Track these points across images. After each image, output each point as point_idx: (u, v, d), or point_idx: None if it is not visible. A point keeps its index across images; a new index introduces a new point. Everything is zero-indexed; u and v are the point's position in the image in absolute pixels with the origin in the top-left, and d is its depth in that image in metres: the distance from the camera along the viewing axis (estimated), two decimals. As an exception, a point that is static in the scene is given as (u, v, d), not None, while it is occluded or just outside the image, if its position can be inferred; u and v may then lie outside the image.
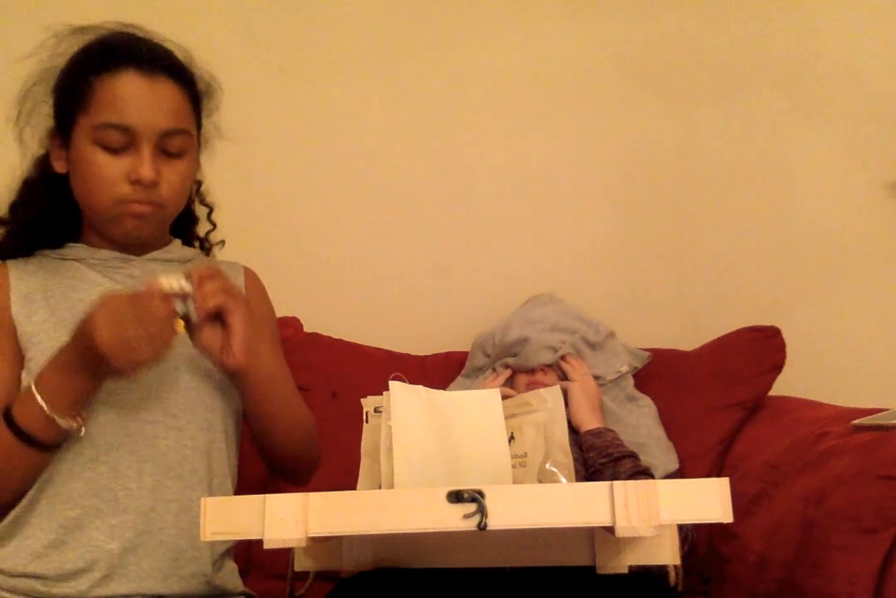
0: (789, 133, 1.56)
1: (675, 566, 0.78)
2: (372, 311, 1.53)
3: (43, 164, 0.89)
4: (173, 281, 0.75)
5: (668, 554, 0.68)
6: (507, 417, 0.84)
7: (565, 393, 1.15)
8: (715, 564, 1.06)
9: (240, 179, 1.57)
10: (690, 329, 1.48)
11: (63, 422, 0.74)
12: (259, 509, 0.57)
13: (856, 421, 0.96)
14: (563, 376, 1.24)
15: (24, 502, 0.79)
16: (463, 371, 1.36)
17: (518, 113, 1.59)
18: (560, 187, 1.58)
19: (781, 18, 1.58)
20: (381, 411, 0.84)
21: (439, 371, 1.36)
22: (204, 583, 0.83)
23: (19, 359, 0.81)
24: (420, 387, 0.83)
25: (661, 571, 0.82)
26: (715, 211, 1.56)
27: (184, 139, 0.85)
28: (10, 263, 0.87)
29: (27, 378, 0.79)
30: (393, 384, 0.80)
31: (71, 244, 0.89)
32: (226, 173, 1.58)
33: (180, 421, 0.83)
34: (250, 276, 1.02)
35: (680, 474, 1.18)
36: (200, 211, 1.05)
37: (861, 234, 1.52)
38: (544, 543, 0.73)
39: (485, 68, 1.59)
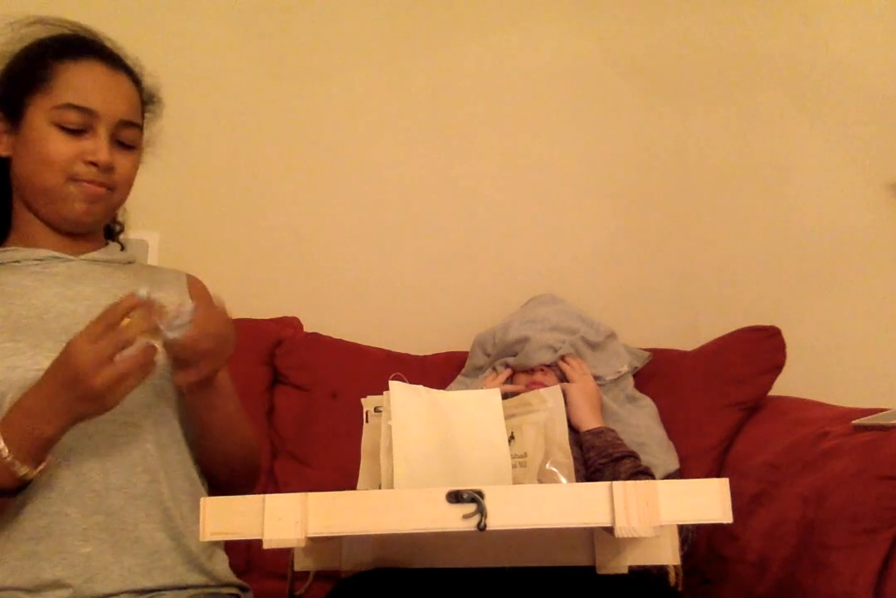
0: (789, 133, 1.56)
1: (675, 567, 0.78)
2: (372, 311, 1.53)
3: None
4: (144, 293, 0.68)
5: (667, 554, 0.68)
6: (508, 417, 0.84)
7: (565, 394, 1.15)
8: (715, 564, 1.06)
9: (240, 180, 1.57)
10: (690, 329, 1.49)
11: (24, 469, 0.69)
12: (258, 509, 0.57)
13: (856, 421, 0.96)
14: (563, 377, 1.24)
15: None
16: (463, 370, 1.36)
17: (519, 113, 1.59)
18: (560, 188, 1.58)
19: (781, 19, 1.58)
20: (381, 411, 0.84)
21: (439, 371, 1.36)
22: (194, 572, 0.82)
23: None
24: (420, 387, 0.83)
25: (661, 571, 0.82)
26: (715, 211, 1.56)
27: (136, 133, 0.87)
28: None
29: None
30: (393, 384, 0.80)
31: None
32: (226, 174, 1.58)
33: (136, 417, 0.81)
34: (196, 285, 0.98)
35: (680, 473, 1.18)
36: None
37: (861, 234, 1.52)
38: (544, 543, 0.73)
39: (485, 69, 1.59)
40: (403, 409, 0.79)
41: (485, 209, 1.58)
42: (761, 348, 1.26)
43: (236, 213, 1.56)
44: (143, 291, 0.67)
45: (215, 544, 0.87)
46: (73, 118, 0.81)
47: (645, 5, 1.59)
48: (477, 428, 0.82)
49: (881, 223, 1.51)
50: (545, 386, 1.11)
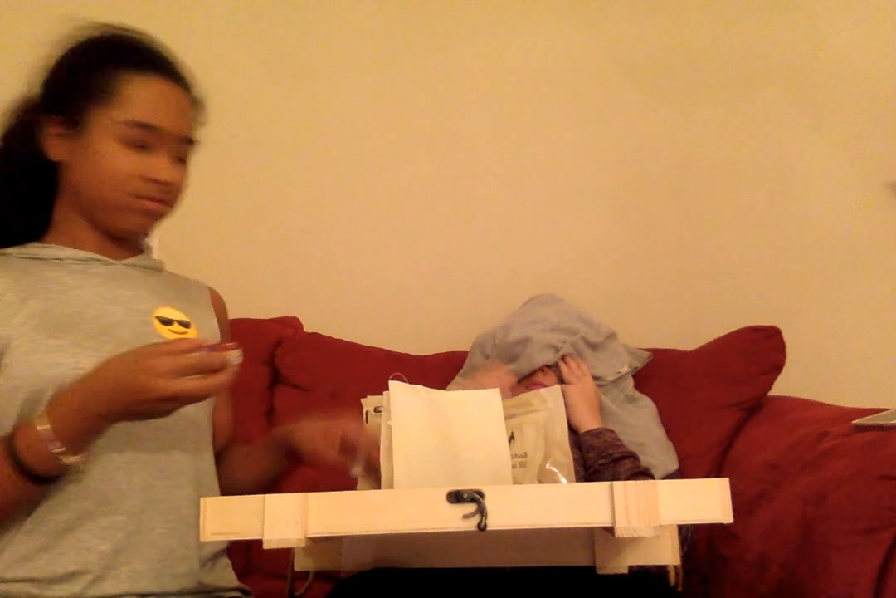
0: (789, 133, 1.56)
1: (675, 567, 0.78)
2: (372, 311, 1.53)
3: (21, 151, 0.84)
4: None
5: (667, 555, 0.68)
6: (508, 417, 0.84)
7: (563, 396, 1.15)
8: (715, 564, 1.06)
9: (240, 180, 1.57)
10: (690, 329, 1.49)
11: (69, 460, 0.71)
12: (259, 509, 0.57)
13: (856, 421, 0.96)
14: (561, 378, 1.24)
15: None
16: (461, 372, 1.36)
17: (518, 113, 1.59)
18: (560, 187, 1.58)
19: (781, 19, 1.58)
20: (381, 411, 0.84)
21: (439, 371, 1.36)
22: (196, 581, 0.83)
23: None
24: (420, 387, 0.83)
25: (661, 571, 0.82)
26: (715, 211, 1.56)
27: (191, 149, 0.88)
28: None
29: (2, 383, 0.76)
30: (393, 384, 0.80)
31: (35, 244, 0.86)
32: (227, 174, 1.58)
33: (167, 422, 0.79)
34: (217, 298, 1.00)
35: (680, 474, 1.18)
36: None
37: (861, 234, 1.52)
38: (544, 543, 0.73)
39: (485, 69, 1.59)
40: (403, 409, 0.79)
41: (485, 209, 1.58)
42: (761, 348, 1.26)
43: (236, 213, 1.56)
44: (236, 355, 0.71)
45: (221, 549, 0.88)
46: (137, 136, 0.81)
47: (645, 5, 1.59)
48: (477, 428, 0.82)
49: (881, 223, 1.51)
50: (545, 386, 1.11)
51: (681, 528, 0.99)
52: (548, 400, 0.89)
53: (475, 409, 0.84)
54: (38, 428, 0.70)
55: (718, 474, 1.17)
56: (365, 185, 1.58)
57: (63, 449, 0.70)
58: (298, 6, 1.58)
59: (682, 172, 1.57)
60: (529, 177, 1.58)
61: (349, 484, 0.89)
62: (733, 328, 1.32)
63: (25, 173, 0.84)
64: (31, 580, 0.75)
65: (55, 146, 0.82)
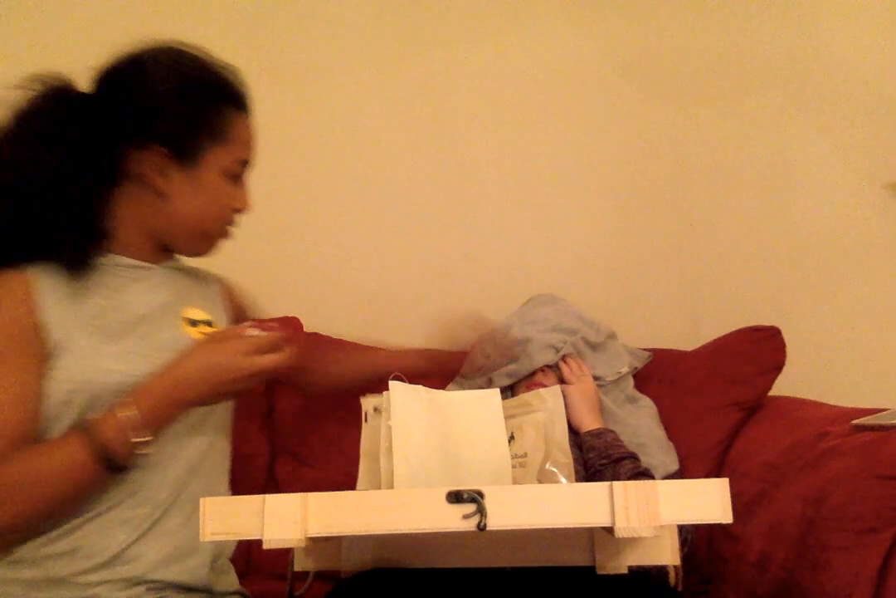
0: (789, 133, 1.56)
1: (675, 567, 0.78)
2: (372, 311, 1.53)
3: (99, 163, 0.83)
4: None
5: (667, 555, 0.68)
6: (508, 417, 0.84)
7: (563, 396, 1.15)
8: (715, 564, 1.06)
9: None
10: (690, 329, 1.48)
11: (147, 449, 0.76)
12: (258, 509, 0.57)
13: (856, 421, 0.96)
14: (561, 379, 1.24)
15: None
16: (461, 371, 1.35)
17: (519, 113, 1.59)
18: (560, 187, 1.58)
19: (781, 19, 1.58)
20: (380, 411, 0.84)
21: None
22: (203, 576, 0.85)
23: (40, 369, 0.78)
24: (420, 387, 0.83)
25: (661, 571, 0.82)
26: (715, 211, 1.56)
27: None
28: (30, 270, 0.81)
29: (54, 386, 0.77)
30: (393, 384, 0.80)
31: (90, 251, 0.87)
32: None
33: (196, 420, 0.85)
34: (227, 288, 1.03)
35: (680, 474, 1.18)
36: None
37: (861, 234, 1.52)
38: (544, 543, 0.73)
39: (485, 69, 1.59)
40: (403, 409, 0.78)
41: (485, 209, 1.58)
42: (761, 348, 1.26)
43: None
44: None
45: (225, 553, 0.90)
46: (237, 170, 0.88)
47: (645, 6, 1.59)
48: (477, 428, 0.82)
49: (881, 223, 1.51)
50: (546, 386, 1.11)
51: (681, 529, 0.99)
52: (548, 400, 0.88)
53: (475, 409, 0.83)
54: (127, 416, 0.74)
55: (718, 475, 1.17)
56: (364, 184, 1.58)
57: (150, 438, 0.75)
58: (298, 6, 1.58)
59: (682, 172, 1.57)
60: (529, 177, 1.58)
61: (350, 484, 0.89)
62: (733, 328, 1.32)
63: (98, 185, 0.84)
64: (52, 558, 0.77)
65: (156, 174, 0.83)
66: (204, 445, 0.86)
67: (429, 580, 0.73)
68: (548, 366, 1.25)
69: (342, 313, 1.51)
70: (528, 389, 1.16)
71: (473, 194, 1.58)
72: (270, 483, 1.28)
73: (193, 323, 0.89)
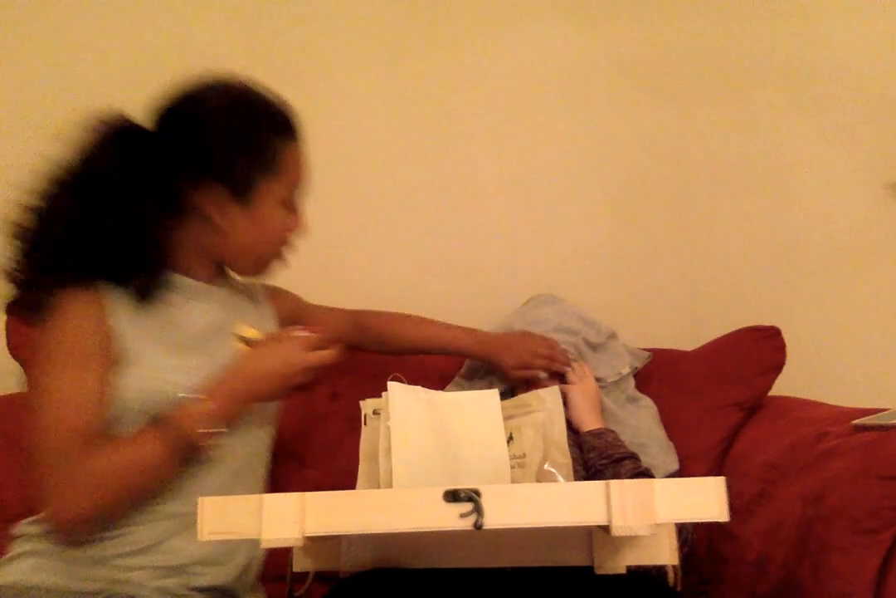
0: (789, 133, 1.56)
1: (674, 566, 0.78)
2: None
3: (164, 195, 0.87)
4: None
5: (666, 554, 0.68)
6: (506, 418, 0.85)
7: (565, 396, 1.15)
8: (715, 564, 1.06)
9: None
10: (690, 329, 1.48)
11: (220, 442, 0.84)
12: (256, 508, 0.57)
13: (856, 421, 0.96)
14: (563, 378, 1.24)
15: None
16: (461, 372, 1.35)
17: (519, 113, 1.59)
18: (560, 187, 1.58)
19: (781, 19, 1.58)
20: (379, 414, 0.85)
21: (439, 372, 1.36)
22: (230, 583, 0.90)
23: (111, 374, 0.84)
24: (418, 388, 0.83)
25: (661, 571, 0.82)
26: (715, 211, 1.56)
27: None
28: (101, 287, 0.87)
29: (119, 391, 0.83)
30: (392, 385, 0.81)
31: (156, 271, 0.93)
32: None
33: (240, 428, 0.90)
34: (272, 294, 1.11)
35: (680, 474, 1.18)
36: None
37: (861, 234, 1.52)
38: (543, 543, 0.73)
39: (484, 68, 1.59)
40: (402, 410, 0.79)
41: (484, 209, 1.58)
42: (761, 348, 1.26)
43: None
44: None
45: (253, 567, 0.94)
46: (294, 199, 0.93)
47: (646, 6, 1.59)
48: (476, 429, 0.82)
49: (881, 223, 1.51)
50: (546, 387, 1.11)
51: (682, 529, 0.99)
52: (546, 401, 0.89)
53: (474, 410, 0.84)
54: (204, 410, 0.81)
55: (718, 474, 1.16)
56: (362, 183, 1.58)
57: (224, 430, 0.82)
58: (298, 5, 1.59)
59: (682, 171, 1.57)
60: (529, 176, 1.58)
61: (350, 485, 0.89)
62: (733, 328, 1.31)
63: (160, 216, 0.88)
64: (98, 540, 0.84)
65: (214, 209, 0.88)
66: (255, 441, 0.94)
67: (428, 581, 0.73)
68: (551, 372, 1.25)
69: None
70: (529, 389, 1.16)
71: (472, 194, 1.58)
72: (270, 484, 1.27)
73: (247, 341, 0.94)
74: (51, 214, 0.84)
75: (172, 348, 0.87)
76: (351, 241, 1.57)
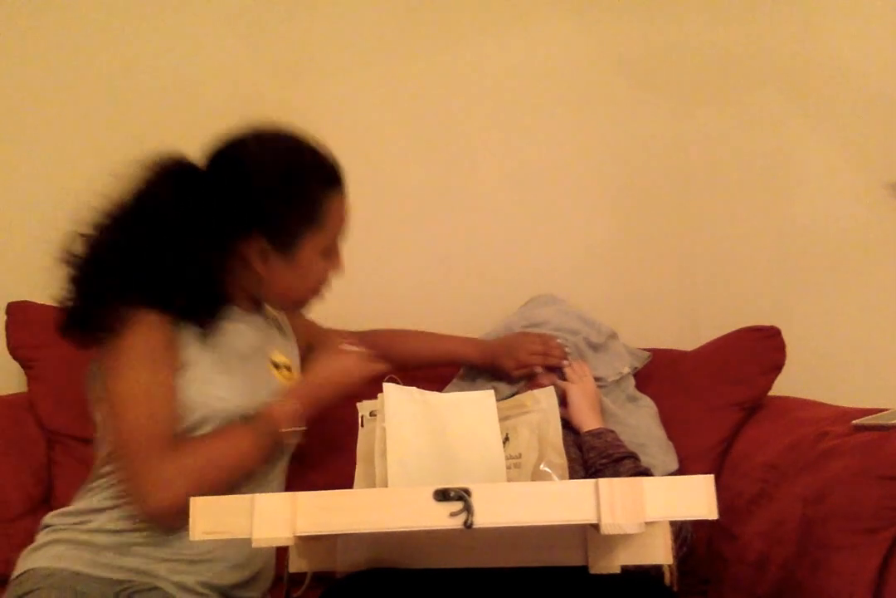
0: (789, 133, 1.55)
1: (670, 566, 0.78)
2: (370, 312, 1.53)
3: (218, 243, 0.92)
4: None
5: (660, 554, 0.68)
6: (502, 419, 0.85)
7: (565, 396, 1.15)
8: (715, 564, 1.06)
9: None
10: (690, 329, 1.48)
11: (298, 440, 0.97)
12: (248, 508, 0.57)
13: (856, 421, 0.95)
14: (562, 376, 1.24)
15: None
16: (460, 373, 1.35)
17: (519, 113, 1.59)
18: (560, 187, 1.58)
19: (781, 19, 1.58)
20: (376, 415, 0.85)
21: (438, 372, 1.36)
22: (249, 580, 0.95)
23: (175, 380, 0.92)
24: (414, 389, 0.83)
25: (659, 571, 0.81)
26: (715, 211, 1.56)
27: None
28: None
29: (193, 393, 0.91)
30: (387, 386, 0.81)
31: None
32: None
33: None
34: (293, 322, 1.17)
35: (679, 474, 1.18)
36: None
37: (861, 234, 1.51)
38: (538, 543, 0.73)
39: (484, 69, 1.59)
40: (398, 411, 0.79)
41: (483, 209, 1.58)
42: (761, 348, 1.25)
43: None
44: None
45: (265, 578, 0.99)
46: (335, 247, 0.98)
47: (645, 6, 1.59)
48: (472, 430, 0.82)
49: (881, 223, 1.50)
50: (545, 386, 1.11)
51: (681, 528, 0.99)
52: (541, 401, 0.89)
53: (470, 410, 0.84)
54: (291, 408, 0.92)
55: (719, 475, 1.16)
56: (362, 184, 1.57)
57: (304, 428, 0.94)
58: (301, 5, 1.60)
59: (682, 171, 1.57)
60: (528, 176, 1.58)
61: (348, 486, 0.89)
62: (733, 328, 1.31)
63: (209, 256, 0.93)
64: (137, 530, 0.90)
65: (257, 258, 0.94)
66: (273, 463, 0.99)
67: (423, 581, 0.73)
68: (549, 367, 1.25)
69: (341, 312, 1.51)
70: (531, 389, 1.16)
71: (472, 194, 1.58)
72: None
73: (277, 366, 1.03)
74: (109, 245, 0.90)
75: (221, 367, 0.94)
76: (351, 241, 1.57)
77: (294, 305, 1.04)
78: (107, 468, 0.94)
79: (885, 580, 0.80)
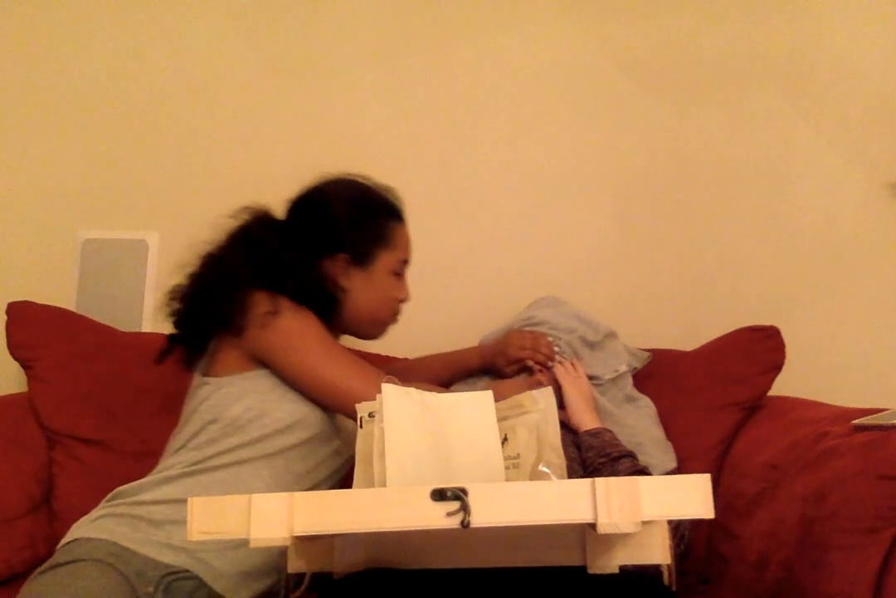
0: (789, 132, 1.55)
1: (668, 566, 0.77)
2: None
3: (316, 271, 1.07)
4: None
5: (658, 553, 0.67)
6: (500, 419, 0.84)
7: (561, 396, 1.15)
8: (714, 564, 1.06)
9: (240, 179, 1.58)
10: (690, 329, 1.48)
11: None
12: (245, 508, 0.57)
13: (856, 421, 0.95)
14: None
15: None
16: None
17: (519, 114, 1.60)
18: (561, 188, 1.58)
19: (781, 18, 1.58)
20: (374, 417, 0.84)
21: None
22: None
23: None
24: (412, 389, 0.83)
25: (658, 570, 0.81)
26: (715, 211, 1.56)
27: None
28: None
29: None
30: (385, 387, 0.81)
31: None
32: (227, 173, 1.60)
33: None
34: None
35: (678, 472, 1.17)
36: None
37: (861, 234, 1.51)
38: (536, 543, 0.72)
39: (484, 69, 1.60)
40: (396, 411, 0.79)
41: (484, 210, 1.58)
42: (761, 348, 1.25)
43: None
44: None
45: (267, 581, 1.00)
46: (401, 269, 1.13)
47: (645, 6, 1.59)
48: (470, 430, 0.82)
49: (881, 223, 1.50)
50: (544, 385, 1.11)
51: (678, 526, 0.99)
52: (539, 401, 0.88)
53: (468, 411, 0.83)
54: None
55: (719, 475, 1.16)
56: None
57: None
58: (303, 6, 1.60)
59: (681, 171, 1.57)
60: (530, 178, 1.58)
61: (347, 485, 0.89)
62: (733, 328, 1.31)
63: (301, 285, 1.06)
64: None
65: (342, 276, 1.08)
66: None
67: (420, 581, 0.73)
68: (545, 365, 1.25)
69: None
70: (531, 387, 1.16)
71: (474, 196, 1.58)
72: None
73: None
74: (228, 260, 1.06)
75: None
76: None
77: (373, 325, 1.13)
78: (179, 453, 0.99)
79: (885, 580, 0.80)
